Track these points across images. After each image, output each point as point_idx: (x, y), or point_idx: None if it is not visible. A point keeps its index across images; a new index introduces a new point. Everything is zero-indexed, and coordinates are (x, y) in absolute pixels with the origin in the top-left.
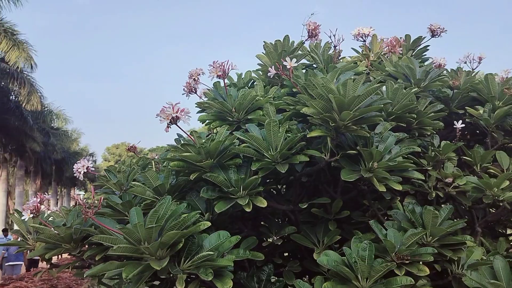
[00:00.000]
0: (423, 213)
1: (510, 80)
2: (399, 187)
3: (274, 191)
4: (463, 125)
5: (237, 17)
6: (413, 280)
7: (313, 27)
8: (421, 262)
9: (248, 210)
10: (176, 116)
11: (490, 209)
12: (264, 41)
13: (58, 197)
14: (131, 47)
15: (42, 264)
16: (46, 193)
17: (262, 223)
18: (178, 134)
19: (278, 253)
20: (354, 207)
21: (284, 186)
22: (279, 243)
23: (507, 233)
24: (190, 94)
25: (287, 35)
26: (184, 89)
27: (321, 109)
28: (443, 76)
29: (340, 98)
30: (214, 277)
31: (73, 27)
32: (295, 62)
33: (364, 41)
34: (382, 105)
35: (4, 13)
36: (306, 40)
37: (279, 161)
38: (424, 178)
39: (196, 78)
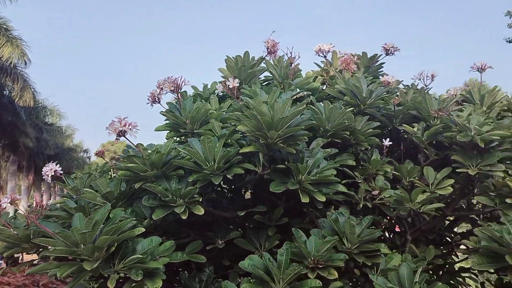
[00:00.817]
0: (345, 222)
1: (446, 100)
2: (322, 199)
3: (225, 199)
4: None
5: (240, 17)
6: (320, 283)
7: (271, 44)
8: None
9: (184, 217)
10: (123, 129)
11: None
12: (226, 56)
13: (51, 192)
14: (133, 45)
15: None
16: (35, 189)
17: (221, 227)
18: (127, 146)
19: (226, 255)
20: (297, 215)
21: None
22: (221, 247)
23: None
24: (154, 104)
25: (247, 51)
26: (148, 98)
27: (253, 127)
28: (387, 94)
29: (267, 119)
30: (146, 278)
31: (74, 25)
32: (254, 76)
33: (325, 56)
34: (306, 124)
35: None
36: (266, 56)
37: (217, 173)
38: (345, 191)
39: (163, 88)
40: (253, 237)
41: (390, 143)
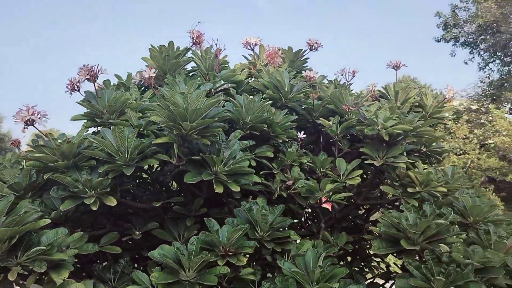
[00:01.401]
0: (257, 211)
1: (361, 95)
2: (237, 189)
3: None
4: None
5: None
6: (228, 269)
7: (196, 35)
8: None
9: (94, 208)
10: (31, 118)
11: None
12: (151, 45)
13: None
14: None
15: None
16: None
17: (140, 218)
18: (36, 135)
19: (146, 246)
20: (218, 205)
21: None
22: (140, 238)
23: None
24: (73, 92)
25: (171, 41)
26: (67, 86)
27: (167, 118)
28: (309, 89)
29: (180, 110)
30: (51, 270)
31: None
32: (179, 67)
33: (253, 49)
34: (221, 116)
35: None
36: (191, 47)
37: (129, 164)
38: (260, 181)
39: (84, 76)
40: (172, 228)
41: (304, 136)
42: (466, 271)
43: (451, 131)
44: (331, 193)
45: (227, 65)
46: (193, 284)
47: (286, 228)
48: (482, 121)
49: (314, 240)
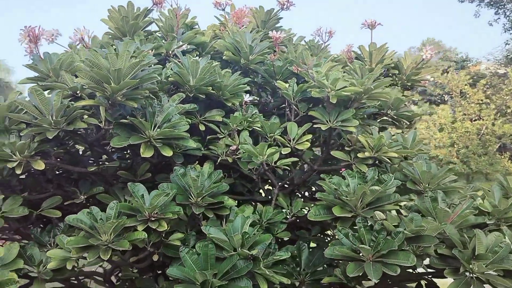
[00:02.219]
0: (189, 176)
1: (338, 57)
2: (169, 153)
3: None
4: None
5: None
6: (145, 234)
7: None
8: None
9: (18, 172)
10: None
11: None
12: (111, 6)
13: None
14: None
15: None
16: None
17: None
18: None
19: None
20: (166, 170)
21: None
22: (82, 202)
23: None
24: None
25: (130, 2)
26: (26, 50)
27: (90, 80)
28: (269, 51)
29: (101, 72)
30: None
31: None
32: (138, 28)
33: (223, 9)
34: (148, 78)
35: None
36: (152, 7)
37: (54, 127)
38: (195, 146)
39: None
40: (118, 193)
41: (250, 98)
42: (396, 240)
43: (467, 95)
44: (273, 158)
45: (196, 26)
46: (107, 249)
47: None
48: (505, 85)
49: (265, 206)
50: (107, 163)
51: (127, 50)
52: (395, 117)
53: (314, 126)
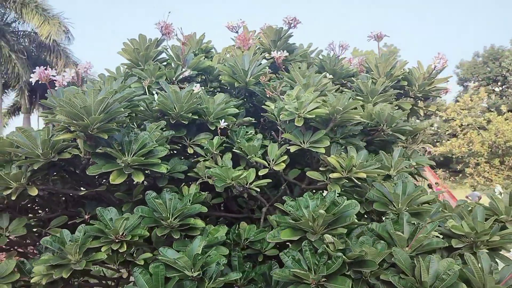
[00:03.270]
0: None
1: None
2: (140, 179)
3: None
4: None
5: None
6: (106, 255)
7: (164, 26)
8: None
9: (13, 198)
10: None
11: None
12: (127, 39)
13: None
14: None
15: None
16: None
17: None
18: None
19: None
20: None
21: None
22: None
23: None
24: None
25: (141, 34)
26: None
27: (67, 116)
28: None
29: (74, 111)
30: None
31: None
32: (149, 58)
33: (237, 32)
34: (120, 112)
35: None
36: (162, 38)
37: (45, 159)
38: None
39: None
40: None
41: (226, 124)
42: (336, 264)
43: None
44: (245, 180)
45: (213, 50)
46: (71, 268)
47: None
48: None
49: (249, 225)
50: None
51: (94, 89)
52: (390, 133)
53: (287, 148)
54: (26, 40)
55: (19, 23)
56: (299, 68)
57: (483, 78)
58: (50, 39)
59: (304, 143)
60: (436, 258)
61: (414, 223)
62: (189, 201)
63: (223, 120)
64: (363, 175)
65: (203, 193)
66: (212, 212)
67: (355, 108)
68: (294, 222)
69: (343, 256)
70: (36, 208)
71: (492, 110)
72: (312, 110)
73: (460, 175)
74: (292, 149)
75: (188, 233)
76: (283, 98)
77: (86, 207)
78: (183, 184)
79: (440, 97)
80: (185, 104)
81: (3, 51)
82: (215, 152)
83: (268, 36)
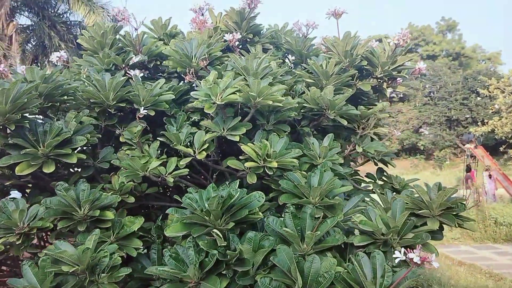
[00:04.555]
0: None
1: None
2: (49, 170)
3: None
4: None
5: None
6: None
7: (118, 13)
8: None
9: None
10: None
11: None
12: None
13: None
14: None
15: None
16: None
17: None
18: None
19: None
20: None
21: None
22: None
23: None
24: None
25: (97, 22)
26: None
27: None
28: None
29: None
30: None
31: None
32: (104, 45)
33: (202, 14)
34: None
35: None
36: (117, 24)
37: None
38: (74, 162)
39: None
40: None
41: (145, 112)
42: (211, 262)
43: None
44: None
45: (180, 35)
46: None
47: None
48: None
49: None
50: None
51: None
52: (335, 119)
53: (207, 135)
54: (77, 29)
55: (70, 14)
56: (255, 50)
57: None
58: None
59: (224, 131)
60: (327, 258)
61: (318, 218)
62: (101, 192)
63: (147, 107)
64: (275, 165)
65: (127, 183)
66: (145, 202)
67: (288, 95)
68: (187, 215)
69: (217, 255)
70: None
71: None
72: (227, 96)
73: (505, 156)
74: (209, 136)
75: (97, 225)
76: (201, 83)
77: (28, 195)
78: (112, 173)
79: (406, 77)
80: (110, 92)
81: (53, 41)
82: (138, 140)
83: (230, 18)
